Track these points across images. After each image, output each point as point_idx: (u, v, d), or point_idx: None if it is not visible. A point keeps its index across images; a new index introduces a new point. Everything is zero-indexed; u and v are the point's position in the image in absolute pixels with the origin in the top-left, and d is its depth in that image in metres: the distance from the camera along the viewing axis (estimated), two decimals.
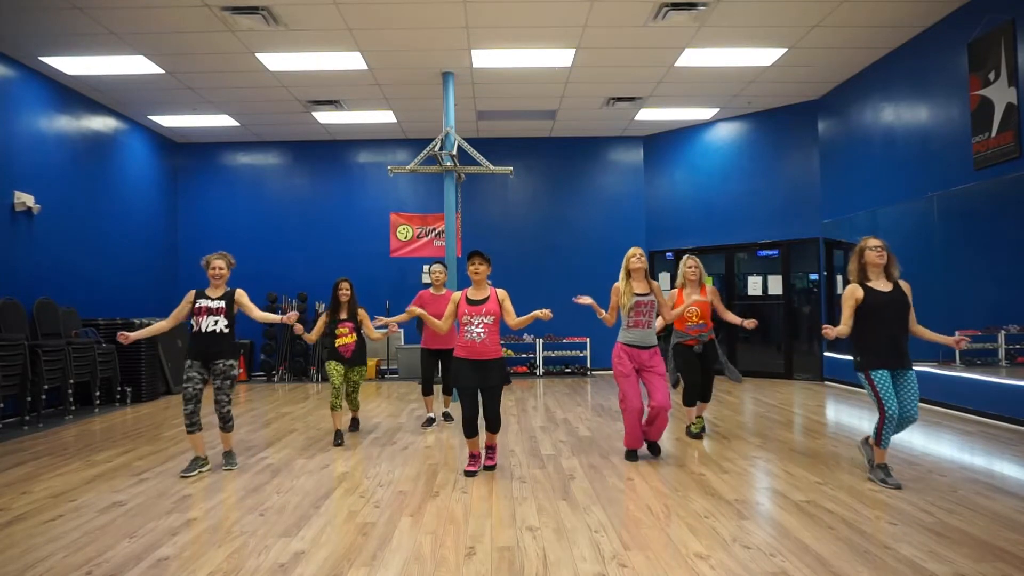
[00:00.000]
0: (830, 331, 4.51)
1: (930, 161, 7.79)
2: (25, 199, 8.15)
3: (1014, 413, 6.52)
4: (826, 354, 10.12)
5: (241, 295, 5.24)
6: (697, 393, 6.07)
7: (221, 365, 5.09)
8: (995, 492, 4.35)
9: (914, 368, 4.55)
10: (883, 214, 8.67)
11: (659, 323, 5.57)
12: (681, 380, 6.06)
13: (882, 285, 4.57)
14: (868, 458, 4.70)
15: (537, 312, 4.86)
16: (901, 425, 4.56)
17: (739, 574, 3.12)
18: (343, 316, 6.30)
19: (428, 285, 7.58)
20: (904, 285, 4.59)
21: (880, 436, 4.50)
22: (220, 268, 5.20)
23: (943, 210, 7.55)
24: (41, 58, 8.22)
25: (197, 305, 5.10)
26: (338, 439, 6.13)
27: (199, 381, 5.04)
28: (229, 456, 5.31)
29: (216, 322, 5.08)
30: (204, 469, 5.13)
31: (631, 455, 5.34)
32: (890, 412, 4.42)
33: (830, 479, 4.69)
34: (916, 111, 8.12)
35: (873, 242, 4.63)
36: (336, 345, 6.22)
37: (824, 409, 7.94)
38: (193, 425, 5.01)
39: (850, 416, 7.43)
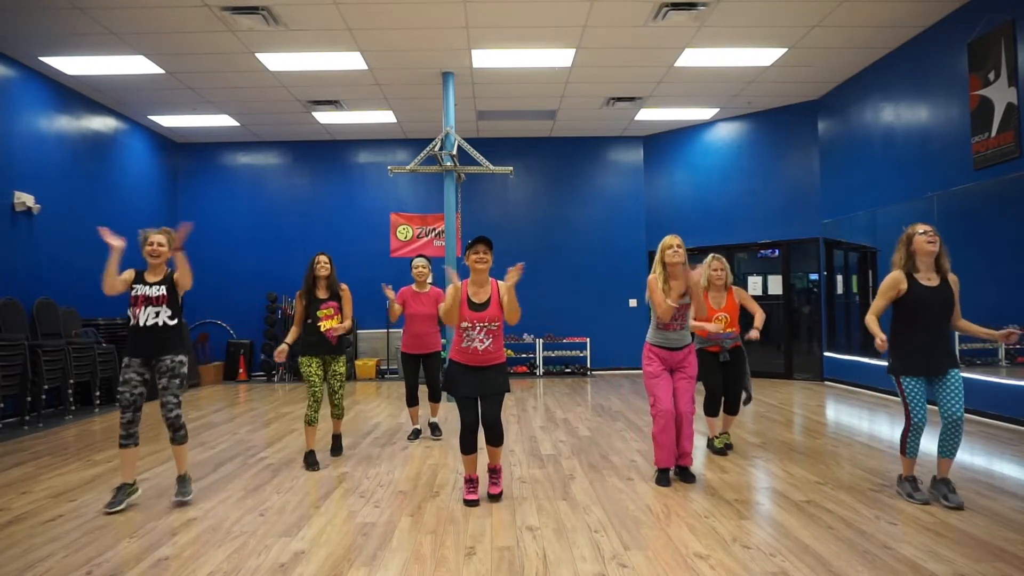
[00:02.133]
0: (882, 344, 4.07)
1: (930, 161, 7.79)
2: (25, 199, 8.15)
3: (1014, 413, 6.52)
4: (826, 354, 10.11)
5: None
6: (719, 402, 5.55)
7: (168, 362, 4.23)
8: (995, 492, 4.35)
9: (960, 369, 4.12)
10: (883, 214, 8.67)
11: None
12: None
13: (930, 279, 4.08)
14: (907, 493, 4.17)
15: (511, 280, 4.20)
16: (948, 429, 4.03)
17: (739, 574, 3.12)
18: (324, 295, 5.30)
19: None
20: (953, 279, 4.11)
21: (904, 444, 4.15)
22: (160, 245, 4.26)
23: (943, 210, 7.55)
24: (41, 58, 8.22)
25: (134, 293, 4.22)
26: (311, 462, 5.19)
27: (138, 383, 4.20)
28: (183, 482, 4.35)
29: (158, 313, 4.22)
30: (134, 496, 4.28)
31: (663, 478, 4.61)
32: (916, 420, 4.06)
33: (830, 479, 4.69)
34: (916, 111, 8.12)
35: (923, 227, 4.12)
36: (322, 329, 5.21)
37: (824, 409, 7.94)
38: (129, 438, 4.18)
39: (850, 416, 7.43)
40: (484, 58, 8.51)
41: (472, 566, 3.25)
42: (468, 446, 4.31)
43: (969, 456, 5.42)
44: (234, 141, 12.15)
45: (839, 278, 10.10)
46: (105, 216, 9.92)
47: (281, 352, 5.16)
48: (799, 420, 7.24)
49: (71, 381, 7.83)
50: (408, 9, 7.14)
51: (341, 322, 5.32)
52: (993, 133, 6.69)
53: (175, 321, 4.30)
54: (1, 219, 7.93)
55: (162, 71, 8.68)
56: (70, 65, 8.46)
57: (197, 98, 9.81)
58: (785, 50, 8.31)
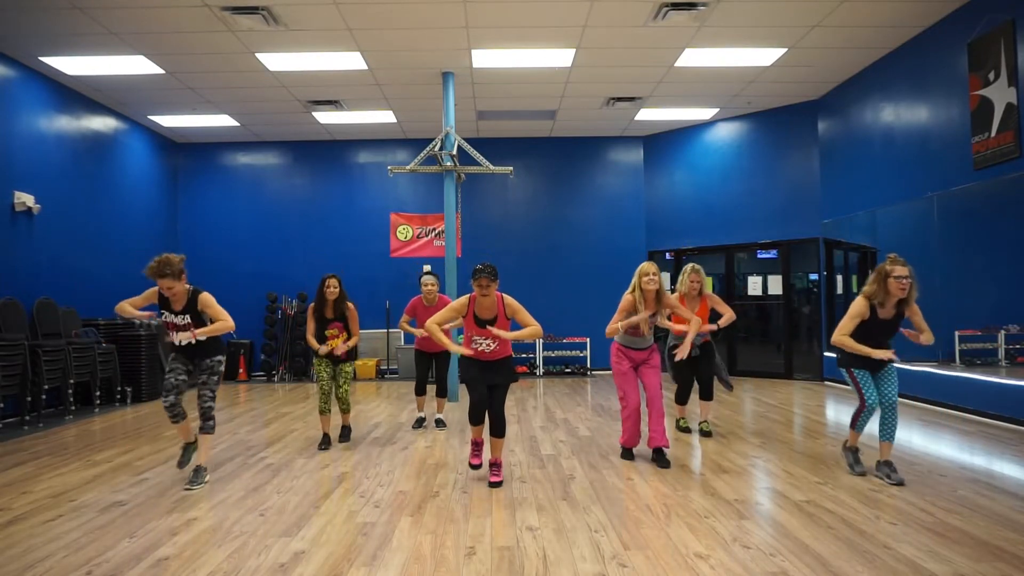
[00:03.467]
0: (888, 355, 4.60)
1: (930, 161, 7.79)
2: (25, 199, 8.15)
3: (1014, 413, 6.52)
4: (826, 354, 10.11)
5: (205, 302, 4.74)
6: (688, 392, 6.30)
7: (208, 362, 4.82)
8: (995, 492, 4.35)
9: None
10: (883, 214, 8.67)
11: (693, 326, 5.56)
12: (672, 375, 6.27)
13: (888, 312, 4.61)
14: (849, 463, 4.85)
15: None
16: (885, 414, 4.68)
17: (739, 574, 3.12)
18: (330, 316, 5.97)
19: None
20: (914, 309, 4.60)
21: (856, 421, 4.76)
22: (170, 288, 4.57)
23: (943, 210, 7.55)
24: (41, 58, 8.22)
25: (164, 319, 4.73)
26: (324, 443, 5.95)
27: (182, 372, 4.78)
28: (198, 473, 4.73)
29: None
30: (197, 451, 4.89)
31: (627, 453, 5.40)
32: (870, 403, 4.66)
33: (830, 479, 4.70)
34: (916, 111, 8.12)
35: (900, 271, 4.45)
36: (327, 350, 5.97)
37: (824, 409, 7.94)
38: (176, 416, 4.79)
39: (849, 416, 7.42)
40: (484, 58, 8.51)
41: (472, 566, 3.25)
42: (477, 418, 4.75)
43: (969, 456, 5.42)
44: (234, 141, 12.14)
45: (839, 278, 10.10)
46: (105, 216, 9.94)
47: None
48: (799, 420, 7.24)
49: (71, 381, 7.82)
50: (408, 9, 7.14)
51: (347, 339, 6.02)
52: (993, 133, 6.69)
53: (207, 336, 4.75)
54: (1, 219, 7.92)
55: (162, 71, 8.68)
56: (70, 65, 8.46)
57: (197, 98, 9.81)
58: (785, 50, 8.31)
